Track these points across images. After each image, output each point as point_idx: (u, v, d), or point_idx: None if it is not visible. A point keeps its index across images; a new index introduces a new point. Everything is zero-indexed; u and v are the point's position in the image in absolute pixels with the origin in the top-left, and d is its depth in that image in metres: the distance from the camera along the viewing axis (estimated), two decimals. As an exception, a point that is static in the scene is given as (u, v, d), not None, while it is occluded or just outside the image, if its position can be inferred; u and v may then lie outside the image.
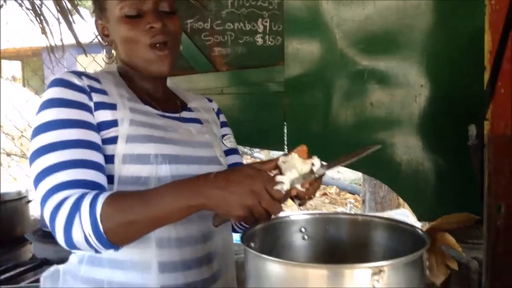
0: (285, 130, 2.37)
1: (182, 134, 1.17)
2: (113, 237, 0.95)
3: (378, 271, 0.75)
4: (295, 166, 0.94)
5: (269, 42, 2.27)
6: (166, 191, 0.95)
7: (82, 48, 2.67)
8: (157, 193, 0.95)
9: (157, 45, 1.13)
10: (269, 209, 0.89)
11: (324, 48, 2.27)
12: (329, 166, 0.99)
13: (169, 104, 1.24)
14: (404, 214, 3.10)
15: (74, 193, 0.96)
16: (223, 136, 1.35)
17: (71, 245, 0.97)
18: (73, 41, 2.66)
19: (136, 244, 1.01)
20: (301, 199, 0.97)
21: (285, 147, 2.39)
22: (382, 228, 0.98)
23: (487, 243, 1.78)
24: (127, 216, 0.94)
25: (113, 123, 1.07)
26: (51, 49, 2.76)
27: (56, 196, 0.96)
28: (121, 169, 1.05)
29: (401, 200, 2.84)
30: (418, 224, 2.24)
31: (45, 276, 1.19)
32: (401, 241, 0.93)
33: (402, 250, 0.87)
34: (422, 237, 0.87)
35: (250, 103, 2.35)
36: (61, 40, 2.68)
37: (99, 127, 1.07)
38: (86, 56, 2.72)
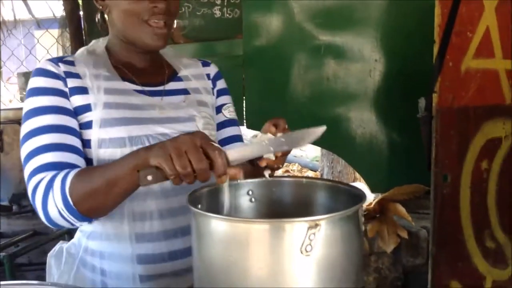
0: (244, 104, 2.39)
1: (161, 110, 1.17)
2: (82, 208, 1.00)
3: (314, 225, 0.79)
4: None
5: (227, 15, 2.26)
6: (120, 159, 0.99)
7: (36, 21, 2.60)
8: (113, 162, 1.00)
9: (156, 22, 1.13)
10: (195, 165, 0.87)
11: (282, 22, 2.28)
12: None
13: (155, 75, 1.23)
14: (360, 187, 3.18)
15: (49, 174, 1.02)
16: (222, 105, 1.33)
17: (51, 222, 1.04)
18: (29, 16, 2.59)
19: (116, 217, 1.10)
20: (271, 169, 1.02)
21: (244, 121, 2.41)
22: (324, 189, 1.02)
23: (434, 211, 1.85)
24: (89, 186, 1.00)
25: (87, 108, 1.11)
26: (3, 22, 2.68)
27: (34, 178, 1.04)
28: (98, 153, 1.10)
29: (357, 175, 2.90)
30: (371, 196, 2.31)
31: (50, 255, 1.25)
32: (342, 201, 0.97)
33: (342, 209, 0.91)
34: (360, 196, 0.91)
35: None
36: (13, 11, 2.60)
37: (76, 112, 1.11)
38: (39, 27, 2.65)
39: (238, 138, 1.34)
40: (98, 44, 1.22)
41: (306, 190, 1.04)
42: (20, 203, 2.42)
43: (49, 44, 2.91)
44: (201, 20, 2.28)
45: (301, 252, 0.78)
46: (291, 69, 2.30)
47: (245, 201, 1.06)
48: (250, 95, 2.34)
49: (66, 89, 1.11)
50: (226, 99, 1.34)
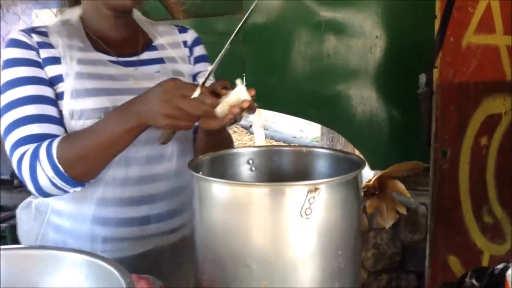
0: (244, 81, 2.38)
1: (135, 81, 1.15)
2: (73, 173, 1.01)
3: (314, 189, 0.80)
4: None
5: (228, -10, 2.25)
6: (106, 119, 1.01)
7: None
8: (100, 123, 1.01)
9: None
10: (190, 110, 0.91)
11: (283, -3, 2.27)
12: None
13: (130, 45, 1.20)
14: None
15: (32, 146, 1.02)
16: (197, 73, 1.27)
17: (41, 192, 1.05)
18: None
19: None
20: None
21: (244, 98, 2.40)
22: (324, 157, 1.03)
23: (432, 186, 1.87)
24: (79, 150, 1.01)
25: (60, 78, 1.09)
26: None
27: (18, 151, 1.03)
28: (71, 125, 1.08)
29: (357, 152, 2.91)
30: (370, 173, 2.33)
31: (21, 207, 1.26)
32: (341, 169, 0.97)
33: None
34: (359, 163, 0.91)
35: (208, 52, 2.34)
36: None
37: (51, 82, 1.09)
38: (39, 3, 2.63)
39: None
40: (73, 13, 1.19)
41: (306, 159, 1.05)
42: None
43: (48, 21, 2.89)
44: (201, -5, 2.27)
45: (301, 216, 0.79)
46: (292, 45, 2.29)
47: (245, 170, 1.06)
48: (250, 71, 2.33)
49: (40, 60, 1.09)
50: (203, 66, 1.28)
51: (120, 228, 1.14)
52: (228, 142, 1.20)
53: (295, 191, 0.79)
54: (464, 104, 1.86)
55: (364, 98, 2.27)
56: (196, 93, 0.92)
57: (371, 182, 2.23)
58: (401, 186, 2.20)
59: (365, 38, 2.21)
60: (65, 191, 1.05)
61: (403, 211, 2.19)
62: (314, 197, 0.79)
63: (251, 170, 1.06)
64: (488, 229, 1.95)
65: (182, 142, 1.18)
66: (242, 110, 0.95)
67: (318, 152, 1.05)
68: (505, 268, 0.82)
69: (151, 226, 1.16)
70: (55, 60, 1.10)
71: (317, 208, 0.80)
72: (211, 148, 1.12)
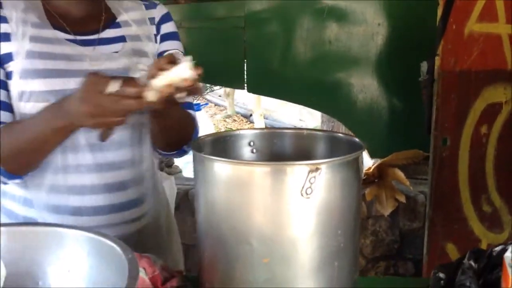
0: (245, 68, 2.38)
1: (92, 62, 1.07)
2: (9, 167, 0.98)
3: (315, 169, 0.80)
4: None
5: (230, -25, 2.24)
6: (39, 116, 0.96)
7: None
8: (33, 119, 0.97)
9: None
10: (110, 106, 0.85)
11: (285, -18, 2.26)
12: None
13: (91, 22, 1.11)
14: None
15: None
16: (162, 53, 1.17)
17: None
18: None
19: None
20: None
21: (245, 84, 2.40)
22: (324, 140, 1.03)
23: (432, 174, 1.88)
24: (13, 145, 0.97)
25: (9, 57, 1.02)
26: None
27: None
28: (19, 107, 1.02)
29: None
30: (370, 161, 2.33)
31: None
32: (342, 151, 0.97)
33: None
34: (359, 145, 0.92)
35: (209, 38, 2.33)
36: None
37: (1, 60, 1.02)
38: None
39: None
40: None
41: (306, 141, 1.05)
42: None
43: None
44: (203, -20, 2.26)
45: (302, 195, 0.80)
46: (293, 31, 2.28)
47: (246, 152, 1.07)
48: (251, 58, 2.32)
49: None
50: (169, 45, 1.18)
51: (74, 217, 1.08)
52: (185, 124, 1.13)
53: (296, 171, 0.80)
54: (465, 92, 1.86)
55: (365, 86, 2.27)
56: (112, 87, 0.85)
57: (371, 170, 2.23)
58: (400, 174, 2.21)
59: (367, 26, 2.20)
60: (4, 183, 1.02)
61: (402, 199, 2.20)
62: (315, 177, 0.80)
63: (252, 152, 1.07)
64: (486, 218, 1.96)
65: (136, 129, 1.11)
66: (182, 89, 0.85)
67: (319, 134, 1.05)
68: (503, 250, 0.82)
69: (106, 217, 1.10)
70: (6, 36, 1.01)
71: (318, 188, 0.80)
72: (166, 133, 1.08)
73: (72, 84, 0.99)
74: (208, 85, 5.21)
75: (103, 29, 1.11)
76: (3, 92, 1.02)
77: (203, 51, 2.35)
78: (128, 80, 0.87)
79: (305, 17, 2.25)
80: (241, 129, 1.08)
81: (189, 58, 0.85)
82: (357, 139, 0.96)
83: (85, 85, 0.88)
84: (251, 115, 6.14)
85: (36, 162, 1.01)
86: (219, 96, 7.06)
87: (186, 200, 2.32)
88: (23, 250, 0.87)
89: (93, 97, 0.86)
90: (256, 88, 2.54)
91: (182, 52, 1.20)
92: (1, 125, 0.99)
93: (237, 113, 6.49)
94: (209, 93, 6.43)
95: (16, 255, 0.87)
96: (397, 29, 2.18)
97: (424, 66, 1.88)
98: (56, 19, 1.08)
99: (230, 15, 2.28)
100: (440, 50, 1.80)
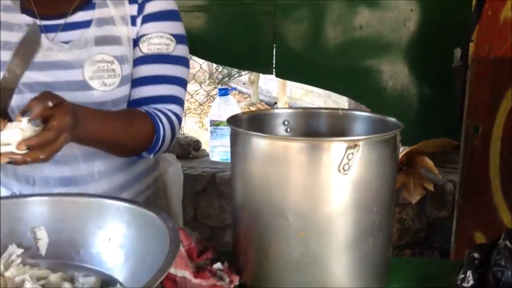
0: (274, 52, 2.38)
1: (47, 52, 0.99)
2: None
3: (353, 145, 0.81)
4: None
5: (260, -41, 2.23)
6: None
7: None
8: None
9: None
10: None
11: (316, -33, 2.25)
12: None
13: (63, 4, 1.03)
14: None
15: None
16: (141, 37, 1.05)
17: None
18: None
19: None
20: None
21: (273, 70, 2.41)
22: (360, 120, 1.04)
23: (462, 161, 1.86)
24: None
25: None
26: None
27: None
28: None
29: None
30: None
31: None
32: (377, 132, 0.98)
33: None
34: (396, 124, 0.92)
35: (238, 23, 2.34)
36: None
37: None
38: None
39: (154, 80, 1.05)
40: None
41: (341, 121, 1.06)
42: None
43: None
44: (233, -36, 2.26)
45: (339, 171, 0.81)
46: (324, 16, 2.26)
47: (280, 131, 1.08)
48: (281, 43, 2.32)
49: None
50: (151, 27, 1.05)
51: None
52: (129, 137, 1.01)
53: (335, 147, 0.81)
54: (499, 79, 1.83)
55: (396, 73, 2.25)
56: None
57: (399, 158, 2.22)
58: (429, 162, 2.18)
59: (399, 11, 2.18)
60: None
61: (430, 187, 2.17)
62: (352, 154, 0.80)
63: (286, 131, 1.08)
64: (516, 207, 1.93)
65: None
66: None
67: (355, 114, 1.06)
68: (540, 232, 0.82)
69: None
70: None
71: (355, 164, 0.81)
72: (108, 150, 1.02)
73: (23, 77, 0.86)
74: (235, 70, 5.22)
75: (75, 11, 1.03)
76: None
77: (232, 36, 2.36)
78: None
79: (336, 1, 2.24)
80: (276, 108, 1.07)
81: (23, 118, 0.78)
82: (393, 119, 0.96)
83: None
84: (275, 103, 6.13)
85: None
86: (243, 83, 7.05)
87: (213, 183, 2.34)
88: (66, 219, 0.91)
89: None
90: (285, 73, 2.53)
91: (173, 34, 1.07)
92: None
93: (261, 101, 6.48)
94: (233, 81, 6.43)
95: (59, 224, 0.91)
96: (430, 15, 2.15)
97: (457, 52, 1.84)
98: (28, 0, 1.01)
99: (257, 1, 2.27)
100: (474, 36, 1.77)
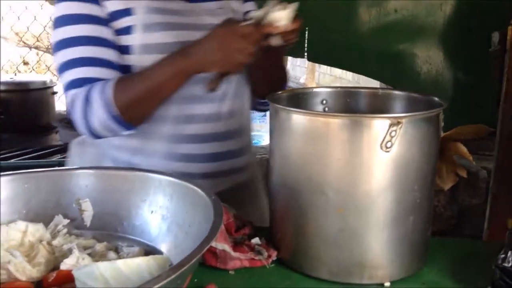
0: (306, 36, 2.36)
1: (198, 17, 1.14)
2: (128, 117, 1.02)
3: (396, 122, 0.80)
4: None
5: None
6: (158, 63, 1.01)
7: None
8: (152, 67, 1.01)
9: None
10: (241, 51, 0.94)
11: (350, -51, 2.22)
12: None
13: None
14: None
15: (85, 89, 1.03)
16: (246, 12, 1.24)
17: (93, 133, 1.05)
18: None
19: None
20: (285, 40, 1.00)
21: (305, 54, 2.40)
22: (401, 99, 1.03)
23: (498, 147, 1.82)
24: (133, 94, 1.01)
25: (125, 12, 1.07)
26: None
27: (70, 92, 1.05)
28: (139, 60, 1.07)
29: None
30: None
31: (74, 142, 1.28)
32: (419, 110, 0.97)
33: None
34: (439, 103, 0.91)
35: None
36: None
37: (111, 17, 1.07)
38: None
39: None
40: None
41: (381, 101, 1.05)
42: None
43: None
44: None
45: (381, 148, 0.81)
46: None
47: (319, 110, 1.08)
48: (313, 26, 2.31)
49: None
50: (250, 5, 1.27)
51: (191, 163, 1.14)
52: (279, 76, 1.23)
53: (377, 124, 0.80)
54: (538, 64, 1.79)
55: (430, 57, 2.22)
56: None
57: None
58: (463, 149, 2.14)
59: (436, -6, 2.14)
60: (116, 134, 1.06)
61: (463, 174, 2.13)
62: (396, 131, 0.80)
63: (324, 110, 1.08)
64: (552, 195, 1.89)
65: (236, 82, 1.17)
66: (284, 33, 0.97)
67: (395, 93, 1.05)
68: None
69: (222, 163, 1.17)
70: None
71: (398, 142, 0.81)
72: (265, 84, 1.16)
73: (186, 36, 1.06)
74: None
75: None
76: (110, 51, 1.07)
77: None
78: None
79: (371, -16, 2.21)
80: (315, 87, 1.08)
81: (292, 7, 0.97)
82: (436, 98, 0.95)
83: (223, 34, 0.95)
84: (303, 89, 6.12)
85: (152, 110, 1.05)
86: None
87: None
88: (110, 192, 0.93)
89: (230, 42, 0.94)
90: (316, 57, 2.52)
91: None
92: (114, 79, 1.03)
93: (289, 87, 6.46)
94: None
95: (103, 196, 0.93)
96: (467, -1, 2.11)
97: (495, 36, 1.80)
98: None
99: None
100: (513, 19, 1.73)
